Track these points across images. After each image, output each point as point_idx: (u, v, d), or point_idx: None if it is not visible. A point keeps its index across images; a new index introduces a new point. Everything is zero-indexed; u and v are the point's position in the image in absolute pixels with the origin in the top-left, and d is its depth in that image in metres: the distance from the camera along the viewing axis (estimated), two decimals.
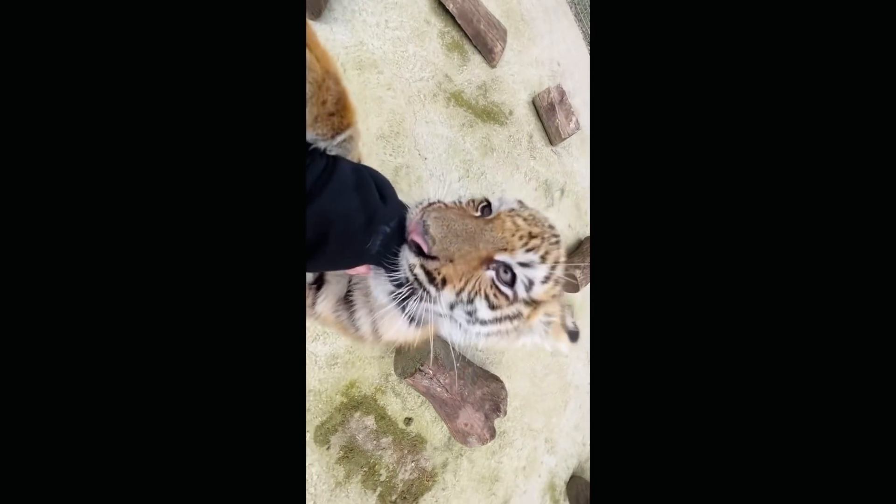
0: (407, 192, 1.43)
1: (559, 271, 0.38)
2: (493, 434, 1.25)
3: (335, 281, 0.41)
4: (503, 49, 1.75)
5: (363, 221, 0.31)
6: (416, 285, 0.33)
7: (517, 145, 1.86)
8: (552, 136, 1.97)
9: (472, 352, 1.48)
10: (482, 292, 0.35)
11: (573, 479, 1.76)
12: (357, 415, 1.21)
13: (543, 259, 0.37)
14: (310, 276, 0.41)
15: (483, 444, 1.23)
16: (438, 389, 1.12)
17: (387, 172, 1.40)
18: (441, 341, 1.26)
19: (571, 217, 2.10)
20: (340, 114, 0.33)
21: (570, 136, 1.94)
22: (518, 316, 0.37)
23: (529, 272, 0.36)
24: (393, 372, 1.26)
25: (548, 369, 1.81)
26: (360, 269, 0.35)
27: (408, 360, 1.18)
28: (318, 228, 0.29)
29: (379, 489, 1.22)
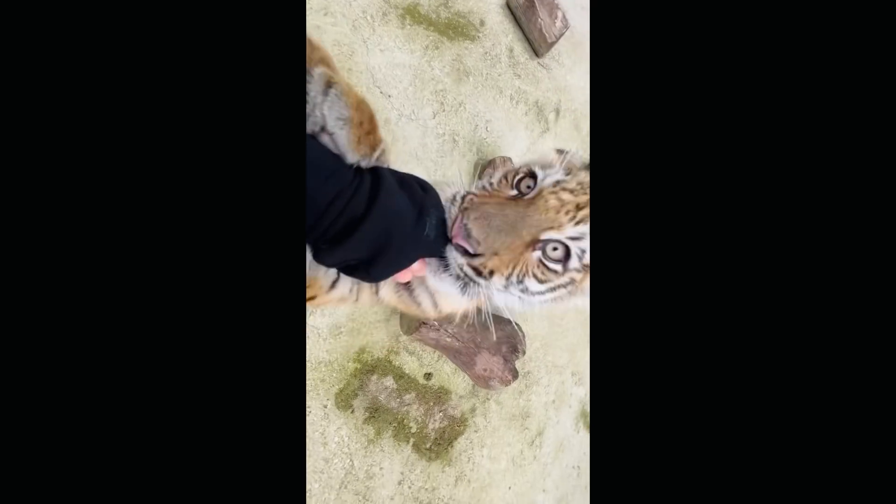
0: None
1: None
2: (515, 375, 1.22)
3: None
4: None
5: (415, 216, 0.33)
6: (466, 280, 0.35)
7: (496, 63, 1.58)
8: (536, 45, 1.66)
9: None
10: (530, 273, 0.35)
11: None
12: (374, 377, 1.20)
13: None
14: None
15: (506, 385, 1.20)
16: (448, 340, 1.06)
17: None
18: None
19: (572, 140, 1.86)
20: (374, 132, 0.34)
21: (557, 38, 1.62)
22: (571, 283, 0.37)
23: (582, 243, 0.35)
24: (401, 332, 1.22)
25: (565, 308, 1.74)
26: (416, 268, 0.36)
27: (412, 317, 1.12)
28: (382, 237, 0.31)
29: (412, 440, 1.25)
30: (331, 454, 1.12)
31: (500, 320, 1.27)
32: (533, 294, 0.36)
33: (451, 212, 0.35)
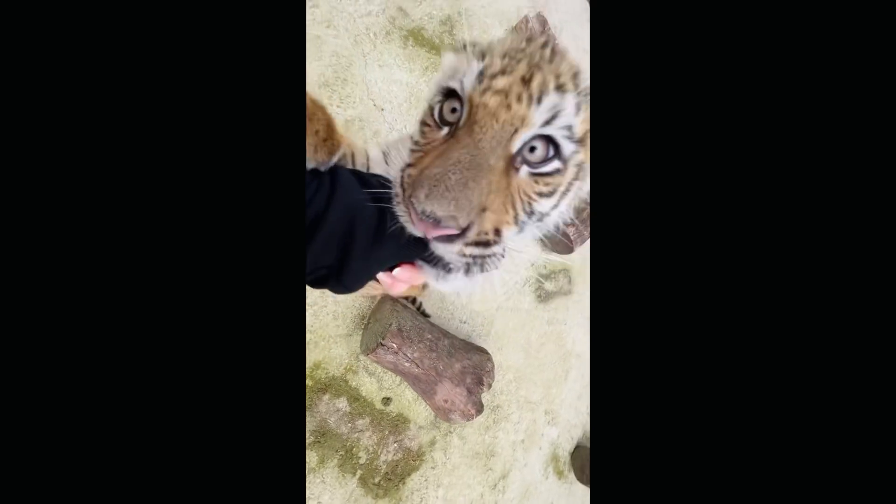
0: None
1: (582, 81, 0.28)
2: (479, 409, 1.14)
3: None
4: None
5: (378, 212, 0.30)
6: (479, 261, 0.29)
7: None
8: None
9: (456, 324, 1.35)
10: (533, 195, 0.29)
11: (578, 449, 1.67)
12: (326, 397, 1.11)
13: (561, 87, 0.27)
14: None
15: (468, 419, 1.11)
16: (407, 365, 0.99)
17: None
18: (409, 312, 1.14)
19: None
20: (332, 137, 0.32)
21: None
22: (577, 177, 0.30)
23: (562, 118, 0.27)
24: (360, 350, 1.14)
25: (544, 338, 1.67)
26: (406, 276, 0.32)
27: (371, 335, 1.05)
28: (346, 236, 0.29)
29: (359, 472, 1.14)
30: None
31: (469, 348, 1.20)
32: (550, 213, 0.30)
33: (400, 208, 0.29)
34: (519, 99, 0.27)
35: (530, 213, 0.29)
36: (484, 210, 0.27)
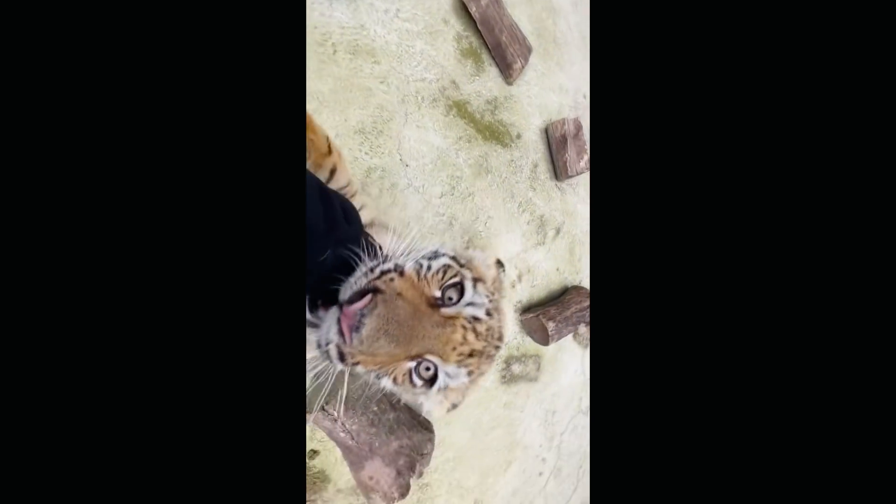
0: (376, 197, 1.28)
1: (478, 378, 0.37)
2: (403, 493, 1.07)
3: None
4: (524, 66, 1.60)
5: (323, 230, 0.30)
6: (326, 356, 0.33)
7: (517, 171, 1.71)
8: (559, 171, 1.81)
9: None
10: (393, 376, 0.34)
11: None
12: None
13: (470, 373, 0.35)
14: None
15: (389, 503, 1.05)
16: (342, 435, 0.95)
17: (356, 171, 1.25)
18: (361, 381, 1.11)
19: (561, 261, 1.93)
20: (326, 150, 0.36)
21: (577, 174, 1.78)
22: (422, 394, 0.36)
23: (450, 380, 0.35)
24: None
25: (496, 422, 1.62)
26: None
27: (315, 394, 1.02)
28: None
29: None
30: None
31: (413, 424, 1.16)
32: (383, 383, 0.35)
33: (360, 281, 0.31)
34: (460, 355, 0.35)
35: (377, 376, 0.36)
36: (372, 356, 0.33)
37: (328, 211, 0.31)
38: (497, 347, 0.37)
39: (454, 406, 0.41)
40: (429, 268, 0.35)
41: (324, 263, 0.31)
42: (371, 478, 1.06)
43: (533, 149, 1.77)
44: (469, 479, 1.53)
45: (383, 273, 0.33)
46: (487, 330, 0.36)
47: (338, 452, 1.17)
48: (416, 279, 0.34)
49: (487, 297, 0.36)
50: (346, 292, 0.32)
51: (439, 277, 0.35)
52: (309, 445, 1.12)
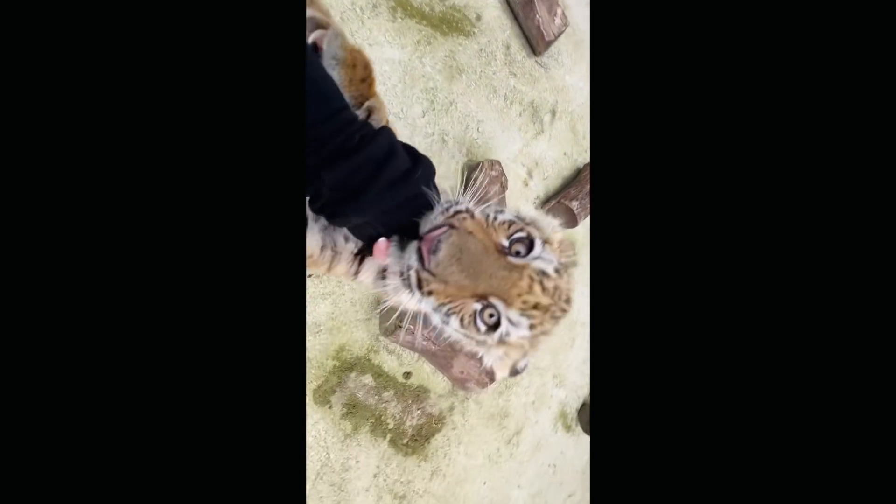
0: None
1: (540, 336, 0.38)
2: (492, 378, 1.24)
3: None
4: None
5: (409, 165, 0.34)
6: (406, 282, 0.35)
7: (491, 61, 1.54)
8: (534, 42, 1.61)
9: None
10: (460, 315, 0.36)
11: (584, 407, 1.82)
12: (353, 375, 1.22)
13: (533, 327, 0.36)
14: (353, 247, 0.43)
15: (483, 387, 1.22)
16: (424, 343, 1.08)
17: None
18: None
19: (566, 144, 1.83)
20: (368, 81, 0.36)
21: (556, 37, 1.57)
22: (483, 343, 0.38)
23: (512, 328, 0.36)
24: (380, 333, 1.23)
25: None
26: (381, 247, 0.37)
27: (389, 319, 1.13)
28: (378, 164, 0.32)
29: (389, 436, 1.29)
30: (307, 447, 1.16)
31: None
32: (450, 327, 0.37)
33: (438, 218, 0.35)
34: (524, 303, 0.36)
35: (445, 314, 0.37)
36: (445, 282, 0.35)
37: (408, 149, 0.34)
38: (564, 311, 0.37)
39: (515, 369, 0.43)
40: (496, 218, 0.37)
41: (415, 200, 0.35)
42: (462, 372, 1.22)
43: (499, 27, 1.56)
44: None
45: (457, 213, 0.35)
46: (555, 288, 0.36)
47: (427, 367, 1.35)
48: (485, 224, 0.36)
49: (555, 261, 0.37)
50: (425, 226, 0.35)
51: (506, 227, 0.36)
52: (401, 369, 1.30)
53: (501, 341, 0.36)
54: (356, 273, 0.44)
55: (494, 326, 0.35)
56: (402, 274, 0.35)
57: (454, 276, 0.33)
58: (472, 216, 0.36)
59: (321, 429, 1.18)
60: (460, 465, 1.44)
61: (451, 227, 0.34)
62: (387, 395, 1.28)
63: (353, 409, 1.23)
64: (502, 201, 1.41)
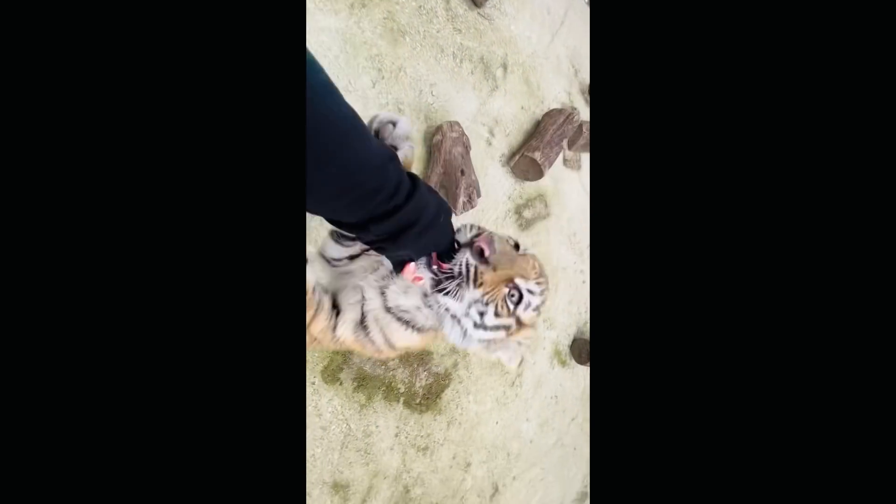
0: None
1: (540, 305, 0.50)
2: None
3: (350, 309, 0.51)
4: None
5: (436, 213, 0.43)
6: (461, 279, 0.45)
7: (433, 18, 1.49)
8: None
9: None
10: (496, 301, 0.46)
11: (574, 342, 2.00)
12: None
13: (542, 293, 0.50)
14: (328, 304, 0.51)
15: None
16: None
17: None
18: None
19: (522, 97, 1.84)
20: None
21: None
22: (508, 328, 0.48)
23: (531, 298, 0.48)
24: None
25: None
26: (413, 270, 0.45)
27: None
28: (413, 216, 0.41)
29: (402, 399, 1.39)
30: (327, 422, 1.23)
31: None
32: (481, 327, 0.47)
33: (467, 234, 0.49)
34: (535, 274, 0.51)
35: (484, 304, 0.47)
36: (494, 269, 0.46)
37: (437, 199, 0.45)
38: (547, 279, 0.52)
39: (523, 360, 0.55)
40: (503, 238, 0.51)
41: (440, 238, 0.45)
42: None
43: None
44: None
45: (480, 228, 0.50)
46: (541, 265, 0.52)
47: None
48: (499, 237, 0.50)
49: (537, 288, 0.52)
50: (465, 236, 0.48)
51: (507, 243, 0.52)
52: None
53: (520, 322, 0.48)
54: (334, 329, 0.51)
55: (518, 301, 0.48)
56: (459, 274, 0.45)
57: (500, 262, 0.45)
58: (492, 233, 0.50)
59: (337, 404, 1.25)
60: (472, 412, 1.58)
61: (489, 234, 0.47)
62: (392, 363, 1.36)
63: (363, 381, 1.30)
64: (468, 163, 1.43)
